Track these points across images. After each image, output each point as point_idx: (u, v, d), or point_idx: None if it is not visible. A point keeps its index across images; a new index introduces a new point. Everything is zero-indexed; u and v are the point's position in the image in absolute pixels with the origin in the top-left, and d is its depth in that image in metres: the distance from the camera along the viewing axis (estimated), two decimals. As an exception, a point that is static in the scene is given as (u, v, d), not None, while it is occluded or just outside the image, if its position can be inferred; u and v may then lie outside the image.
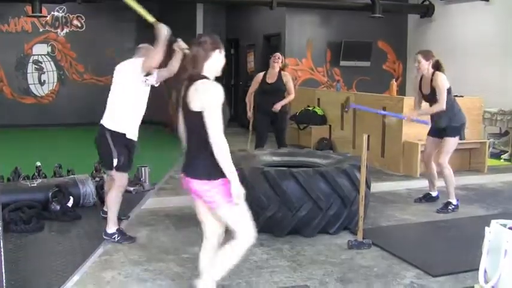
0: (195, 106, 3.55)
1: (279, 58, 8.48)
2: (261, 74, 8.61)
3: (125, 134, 5.46)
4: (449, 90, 6.66)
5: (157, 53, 5.32)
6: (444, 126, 6.74)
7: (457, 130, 6.78)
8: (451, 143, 6.79)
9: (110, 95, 5.56)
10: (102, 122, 5.52)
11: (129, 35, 15.71)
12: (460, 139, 6.87)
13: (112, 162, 5.43)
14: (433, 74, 6.67)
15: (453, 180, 6.86)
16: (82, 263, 4.87)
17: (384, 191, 7.62)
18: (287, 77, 8.47)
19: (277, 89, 8.37)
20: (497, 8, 11.45)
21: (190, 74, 3.66)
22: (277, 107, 8.24)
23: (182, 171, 3.79)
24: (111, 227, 5.47)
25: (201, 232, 5.74)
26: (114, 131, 5.42)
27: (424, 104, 6.98)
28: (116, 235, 5.45)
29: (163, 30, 5.31)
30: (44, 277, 4.66)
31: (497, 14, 11.46)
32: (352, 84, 13.59)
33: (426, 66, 6.72)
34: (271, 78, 8.42)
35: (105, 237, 5.46)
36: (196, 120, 3.57)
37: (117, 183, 5.52)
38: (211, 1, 13.04)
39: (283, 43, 13.24)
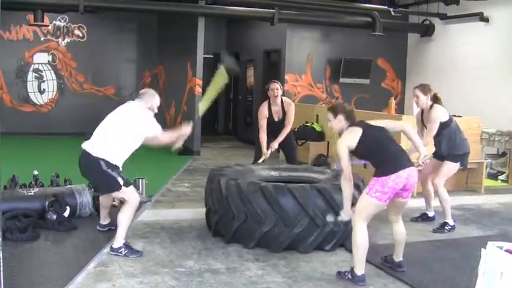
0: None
1: (277, 90, 7.95)
2: (265, 109, 7.97)
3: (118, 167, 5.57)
4: (449, 122, 6.72)
5: (167, 140, 5.81)
6: (445, 154, 6.78)
7: (458, 157, 6.81)
8: (451, 167, 6.83)
9: (112, 128, 5.57)
10: (93, 151, 5.50)
11: (130, 46, 15.76)
12: (462, 166, 6.91)
13: (119, 183, 5.45)
14: (431, 107, 6.71)
15: (448, 200, 6.87)
16: (77, 273, 4.84)
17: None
18: (290, 108, 7.98)
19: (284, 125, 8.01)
20: (497, 29, 11.53)
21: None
22: (275, 145, 7.91)
23: (409, 165, 4.87)
24: (119, 242, 5.46)
25: (196, 246, 5.75)
26: (110, 162, 5.47)
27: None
28: (123, 249, 5.42)
29: (187, 131, 5.85)
30: (39, 287, 4.65)
31: (496, 35, 11.53)
32: (351, 102, 13.63)
33: (425, 101, 6.75)
34: (277, 116, 7.98)
35: (111, 252, 5.43)
36: (385, 131, 5.06)
37: (131, 201, 5.52)
38: (213, 15, 13.08)
39: (283, 59, 13.29)
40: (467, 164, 7.01)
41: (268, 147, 7.90)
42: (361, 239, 4.85)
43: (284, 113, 8.00)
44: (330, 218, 5.28)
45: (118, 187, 5.47)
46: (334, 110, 5.11)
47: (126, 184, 5.52)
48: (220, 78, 6.12)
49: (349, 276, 4.91)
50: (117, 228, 5.52)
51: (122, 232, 5.48)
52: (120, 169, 5.57)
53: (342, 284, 4.92)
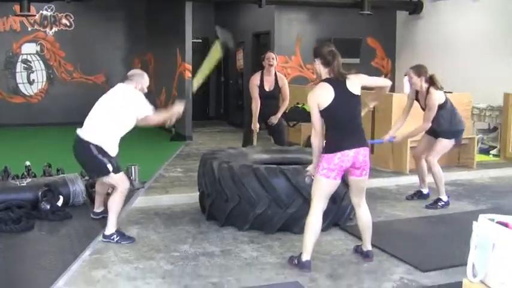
0: (356, 91, 4.73)
1: (273, 59, 8.01)
2: (257, 78, 8.06)
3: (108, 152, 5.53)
4: (444, 104, 6.72)
5: (158, 120, 5.77)
6: (443, 130, 6.78)
7: (452, 134, 6.85)
8: (444, 144, 6.85)
9: (102, 112, 5.55)
10: (84, 135, 5.50)
11: (117, 34, 15.67)
12: (456, 143, 6.95)
13: (107, 168, 5.44)
14: (428, 91, 6.68)
15: (442, 177, 6.90)
16: (72, 262, 4.85)
17: (373, 187, 7.63)
18: (283, 81, 8.13)
19: (275, 97, 8.13)
20: (485, 6, 11.51)
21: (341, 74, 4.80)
22: (274, 120, 8.06)
23: (358, 145, 4.65)
24: (110, 229, 5.46)
25: (191, 231, 5.77)
26: (100, 147, 5.45)
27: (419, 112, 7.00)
28: (115, 235, 5.43)
29: (180, 110, 5.77)
30: (34, 277, 4.66)
31: (485, 11, 11.51)
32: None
33: (419, 83, 6.71)
34: (268, 85, 8.02)
35: (104, 239, 5.42)
36: (358, 102, 4.75)
37: (120, 187, 5.50)
38: (200, -1, 13.03)
39: (272, 41, 13.25)
40: (461, 141, 6.98)
41: (265, 122, 8.11)
42: (312, 223, 4.70)
43: (276, 84, 8.05)
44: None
45: (106, 172, 5.47)
46: (314, 52, 4.95)
47: (115, 170, 5.49)
48: (215, 54, 6.06)
49: (296, 262, 4.79)
50: (108, 215, 5.52)
51: (113, 219, 5.47)
52: (114, 154, 5.54)
53: (337, 261, 4.95)
